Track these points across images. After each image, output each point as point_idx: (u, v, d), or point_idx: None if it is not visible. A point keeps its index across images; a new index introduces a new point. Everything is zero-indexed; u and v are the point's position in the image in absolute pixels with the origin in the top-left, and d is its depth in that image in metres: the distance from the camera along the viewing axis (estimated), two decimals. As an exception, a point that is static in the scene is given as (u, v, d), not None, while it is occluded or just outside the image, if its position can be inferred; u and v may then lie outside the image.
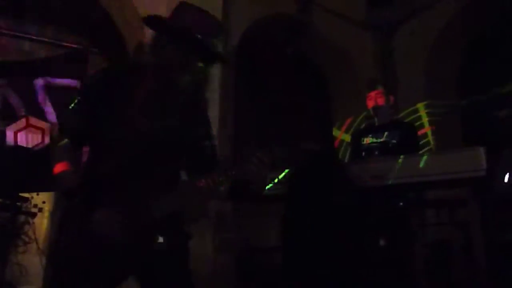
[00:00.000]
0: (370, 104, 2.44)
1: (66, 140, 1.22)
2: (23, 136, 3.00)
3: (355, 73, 4.84)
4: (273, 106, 4.77)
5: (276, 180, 1.72)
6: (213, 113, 3.51)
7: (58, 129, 1.35)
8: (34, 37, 3.56)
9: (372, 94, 2.45)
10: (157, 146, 1.20)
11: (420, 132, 4.75)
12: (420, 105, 4.60)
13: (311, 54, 4.90)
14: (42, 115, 3.26)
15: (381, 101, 2.42)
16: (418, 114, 4.61)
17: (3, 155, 2.61)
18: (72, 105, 1.23)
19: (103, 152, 1.21)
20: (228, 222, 3.31)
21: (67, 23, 3.68)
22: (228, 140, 3.70)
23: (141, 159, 1.18)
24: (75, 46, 3.67)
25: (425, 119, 4.59)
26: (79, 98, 1.24)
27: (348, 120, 4.84)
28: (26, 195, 2.49)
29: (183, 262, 1.26)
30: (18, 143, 2.93)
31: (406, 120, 4.58)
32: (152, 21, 1.24)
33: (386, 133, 2.31)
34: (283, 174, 1.70)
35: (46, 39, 3.58)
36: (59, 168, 1.18)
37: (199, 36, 1.20)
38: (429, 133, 4.58)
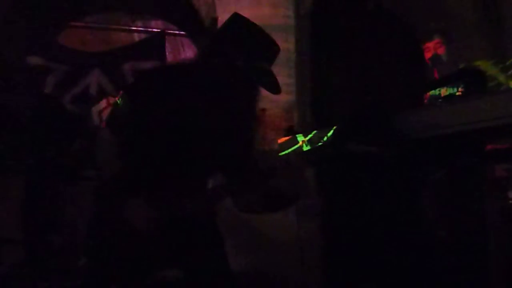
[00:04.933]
0: (428, 56, 2.21)
1: None
2: (105, 115, 3.40)
3: (451, 18, 4.30)
4: (357, 70, 4.52)
5: (325, 139, 1.65)
6: (290, 80, 3.47)
7: None
8: (118, 27, 3.94)
9: (430, 44, 2.21)
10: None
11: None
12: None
13: (395, 5, 4.48)
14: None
15: (441, 51, 2.17)
16: (531, 62, 3.94)
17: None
18: None
19: None
20: (309, 186, 3.30)
21: (145, 10, 3.98)
22: (307, 107, 3.64)
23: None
24: (154, 30, 3.97)
25: (540, 69, 3.91)
26: None
27: (446, 74, 4.37)
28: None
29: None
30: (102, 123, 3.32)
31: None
32: None
33: (449, 85, 2.05)
34: (331, 131, 1.62)
35: (129, 27, 3.93)
36: None
37: None
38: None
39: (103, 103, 3.41)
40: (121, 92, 1.29)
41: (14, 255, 2.88)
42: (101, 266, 1.36)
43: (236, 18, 1.24)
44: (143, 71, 1.26)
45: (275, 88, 1.22)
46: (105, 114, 3.32)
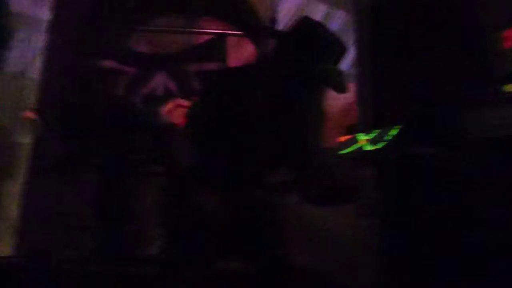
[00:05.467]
0: (508, 45, 2.06)
1: None
2: (173, 115, 3.59)
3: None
4: (421, 65, 4.34)
5: (387, 138, 1.65)
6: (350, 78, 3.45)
7: None
8: (180, 29, 4.14)
9: (510, 33, 2.05)
10: None
11: None
12: None
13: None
14: (194, 96, 3.79)
15: None
16: None
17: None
18: None
19: None
20: (369, 185, 3.26)
21: (205, 12, 4.14)
22: (368, 105, 3.59)
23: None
24: (215, 31, 4.13)
25: None
26: None
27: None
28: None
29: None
30: (170, 122, 3.52)
31: None
32: None
33: None
34: (394, 131, 1.62)
35: (191, 30, 4.13)
36: None
37: None
38: None
39: (171, 104, 3.62)
40: (198, 94, 1.40)
41: (91, 241, 3.15)
42: (172, 253, 1.48)
43: (305, 20, 1.30)
44: (217, 74, 1.37)
45: (342, 88, 1.26)
46: (173, 113, 3.53)
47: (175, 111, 3.66)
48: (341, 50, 1.27)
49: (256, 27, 3.97)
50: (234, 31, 4.27)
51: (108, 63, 3.58)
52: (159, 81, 3.91)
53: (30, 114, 3.19)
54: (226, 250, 1.39)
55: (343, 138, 1.87)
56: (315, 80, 1.25)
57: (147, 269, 2.30)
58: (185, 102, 3.68)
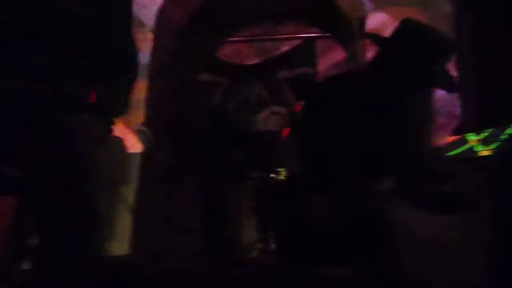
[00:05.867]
0: None
1: None
2: (268, 122, 3.69)
3: None
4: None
5: (503, 137, 1.52)
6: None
7: None
8: (269, 37, 4.25)
9: None
10: None
11: None
12: None
13: None
14: (287, 103, 3.87)
15: None
16: None
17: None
18: None
19: None
20: (480, 190, 3.00)
21: (292, 17, 4.20)
22: (470, 104, 3.34)
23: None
24: (303, 36, 4.16)
25: None
26: None
27: None
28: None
29: None
30: (266, 129, 3.62)
31: None
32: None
33: None
34: (509, 129, 1.48)
35: (279, 37, 4.21)
36: None
37: None
38: None
39: (265, 111, 3.74)
40: (295, 100, 1.45)
41: (194, 243, 3.35)
42: (274, 257, 1.53)
43: (407, 23, 1.27)
44: (320, 81, 1.40)
45: (451, 88, 1.21)
46: (269, 121, 3.65)
47: (270, 118, 3.76)
48: (448, 49, 1.21)
49: (345, 30, 3.91)
50: (321, 33, 4.26)
51: (205, 77, 3.81)
52: (253, 89, 4.05)
53: (140, 127, 3.52)
54: (331, 256, 1.40)
55: (451, 139, 1.76)
56: (424, 81, 1.21)
57: (248, 271, 2.39)
58: (279, 109, 3.77)
